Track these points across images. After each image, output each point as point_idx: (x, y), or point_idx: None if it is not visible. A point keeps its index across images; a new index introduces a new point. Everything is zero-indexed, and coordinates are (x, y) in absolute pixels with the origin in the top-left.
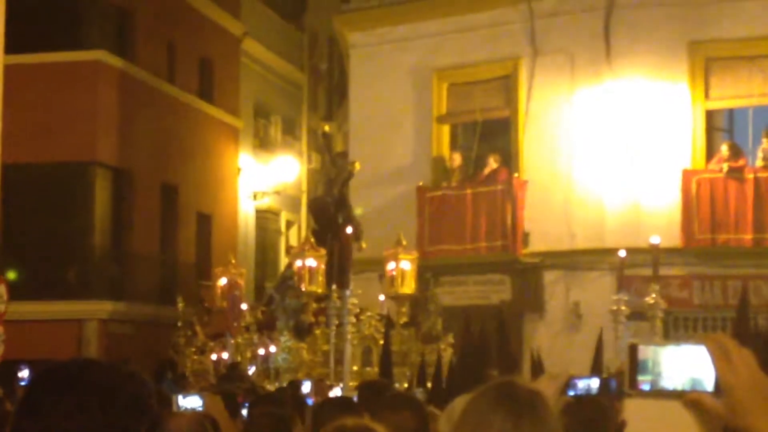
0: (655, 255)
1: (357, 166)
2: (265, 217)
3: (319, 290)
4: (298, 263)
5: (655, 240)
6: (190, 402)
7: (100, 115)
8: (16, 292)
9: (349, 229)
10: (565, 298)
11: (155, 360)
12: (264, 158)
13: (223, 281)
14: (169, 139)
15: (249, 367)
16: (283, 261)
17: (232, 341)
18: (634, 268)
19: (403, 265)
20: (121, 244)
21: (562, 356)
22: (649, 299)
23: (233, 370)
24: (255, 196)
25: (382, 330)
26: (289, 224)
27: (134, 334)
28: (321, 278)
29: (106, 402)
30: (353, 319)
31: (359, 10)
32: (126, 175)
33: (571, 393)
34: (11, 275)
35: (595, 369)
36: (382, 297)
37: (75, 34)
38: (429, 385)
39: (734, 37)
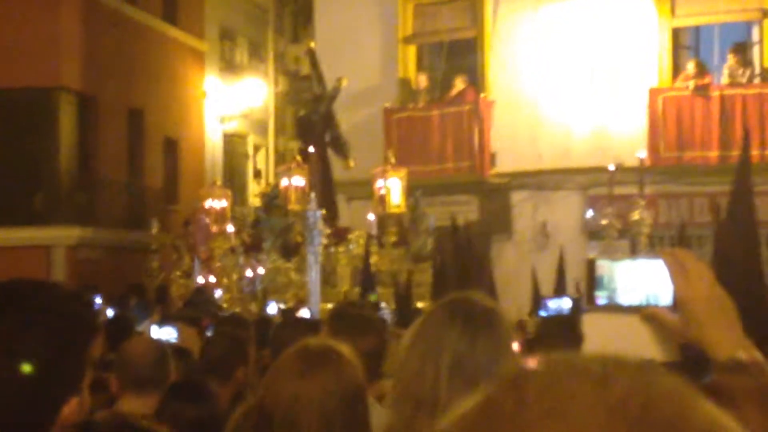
0: (642, 173)
1: (344, 81)
2: (232, 141)
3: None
4: (284, 182)
5: (642, 155)
6: (165, 333)
7: (63, 40)
8: None
9: (311, 149)
10: (533, 218)
11: (124, 285)
12: (230, 81)
13: (209, 203)
14: (134, 63)
15: (215, 291)
16: (252, 185)
17: (200, 266)
18: (600, 187)
19: (392, 183)
20: (87, 169)
21: (531, 276)
22: (635, 215)
23: (199, 295)
24: (222, 120)
25: (371, 249)
26: (256, 148)
27: (102, 259)
28: (308, 197)
29: (49, 320)
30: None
31: None
32: (91, 100)
33: (543, 313)
34: None
35: (559, 288)
36: (371, 216)
37: None
38: (420, 304)
39: None
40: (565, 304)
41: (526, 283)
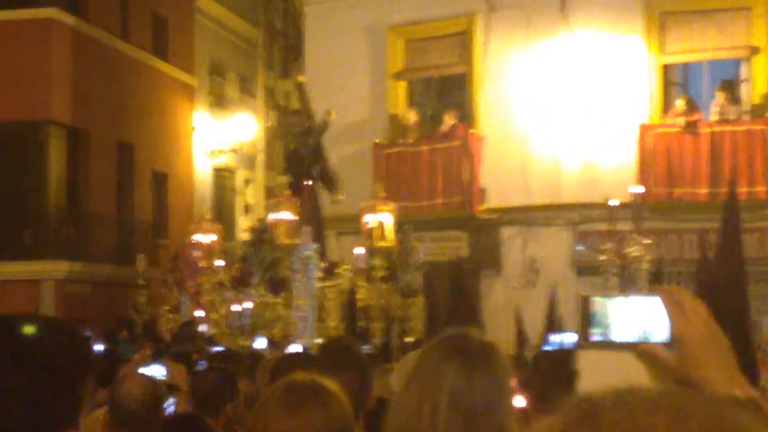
0: (637, 208)
1: (333, 115)
2: (222, 176)
3: (298, 242)
4: (273, 216)
5: (638, 189)
6: (154, 371)
7: (53, 74)
8: None
9: (309, 182)
10: (522, 254)
11: (113, 320)
12: (220, 116)
13: (197, 238)
14: (123, 97)
15: (201, 326)
16: (240, 219)
17: (188, 300)
18: (590, 223)
19: (381, 217)
20: (76, 203)
21: (514, 312)
22: (633, 251)
23: (186, 329)
24: (212, 155)
25: (361, 284)
26: (246, 182)
27: (91, 294)
28: (297, 231)
29: (42, 356)
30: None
31: None
32: (81, 133)
33: (547, 348)
34: None
35: (550, 324)
36: (358, 250)
37: None
38: (412, 339)
39: None
40: (567, 339)
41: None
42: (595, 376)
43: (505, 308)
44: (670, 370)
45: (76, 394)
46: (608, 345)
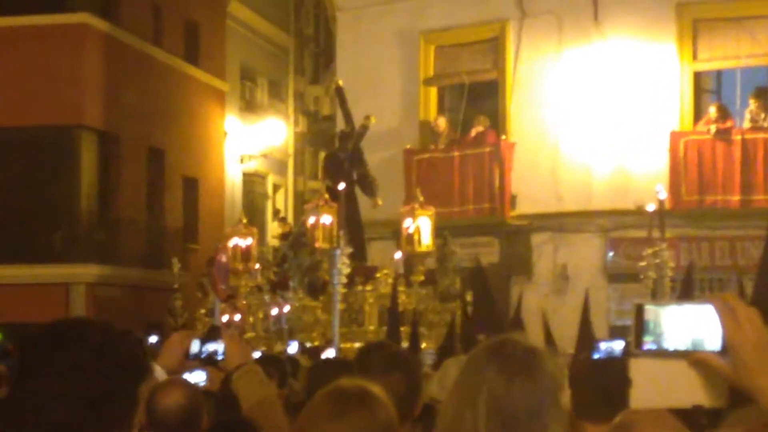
0: (660, 214)
1: (372, 119)
2: (251, 181)
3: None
4: (311, 220)
5: (662, 195)
6: (195, 377)
7: (85, 79)
8: (1, 256)
9: (341, 186)
10: (553, 260)
11: (143, 323)
12: (250, 121)
13: (234, 241)
14: (155, 102)
15: (239, 329)
16: (270, 224)
17: (220, 304)
18: (622, 229)
19: (421, 222)
20: (107, 207)
21: (551, 318)
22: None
23: (213, 334)
24: (242, 160)
25: (399, 288)
26: (276, 187)
27: (121, 297)
28: (335, 234)
29: (101, 360)
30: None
31: None
32: (112, 138)
33: (596, 356)
34: None
35: (583, 331)
36: (397, 254)
37: None
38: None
39: None
40: (617, 346)
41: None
42: (648, 384)
43: (536, 315)
44: (723, 379)
45: (132, 397)
46: (662, 354)
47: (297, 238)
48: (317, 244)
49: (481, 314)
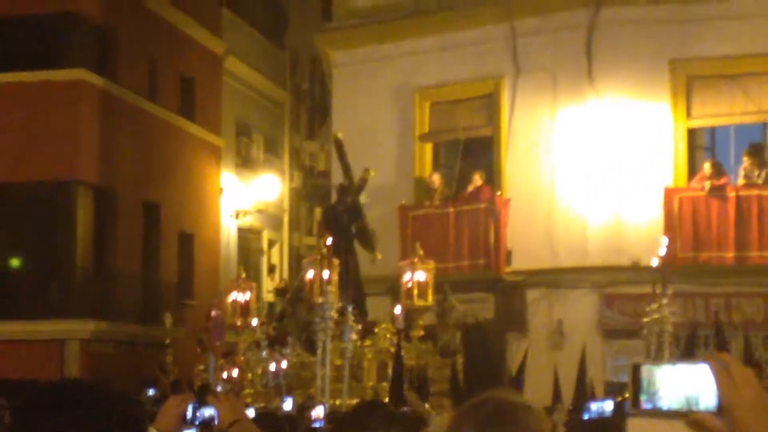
0: (660, 270)
1: (372, 173)
2: (247, 236)
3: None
4: (310, 274)
5: (662, 251)
6: None
7: (81, 134)
8: None
9: (329, 240)
10: (548, 316)
11: (137, 379)
12: (246, 177)
13: (233, 296)
14: (150, 157)
15: (238, 385)
16: (266, 280)
17: (217, 360)
18: (617, 285)
19: (420, 276)
20: (103, 263)
21: (546, 375)
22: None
23: (203, 392)
24: (237, 215)
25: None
26: (271, 243)
27: (116, 353)
28: (334, 290)
29: (97, 423)
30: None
31: (341, 29)
32: (108, 193)
33: (586, 416)
34: None
35: (579, 388)
36: (397, 309)
37: (56, 53)
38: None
39: (715, 56)
40: (607, 407)
41: (541, 381)
42: None
43: (532, 371)
44: None
45: None
46: (659, 413)
47: (296, 293)
48: (315, 299)
49: (478, 371)
